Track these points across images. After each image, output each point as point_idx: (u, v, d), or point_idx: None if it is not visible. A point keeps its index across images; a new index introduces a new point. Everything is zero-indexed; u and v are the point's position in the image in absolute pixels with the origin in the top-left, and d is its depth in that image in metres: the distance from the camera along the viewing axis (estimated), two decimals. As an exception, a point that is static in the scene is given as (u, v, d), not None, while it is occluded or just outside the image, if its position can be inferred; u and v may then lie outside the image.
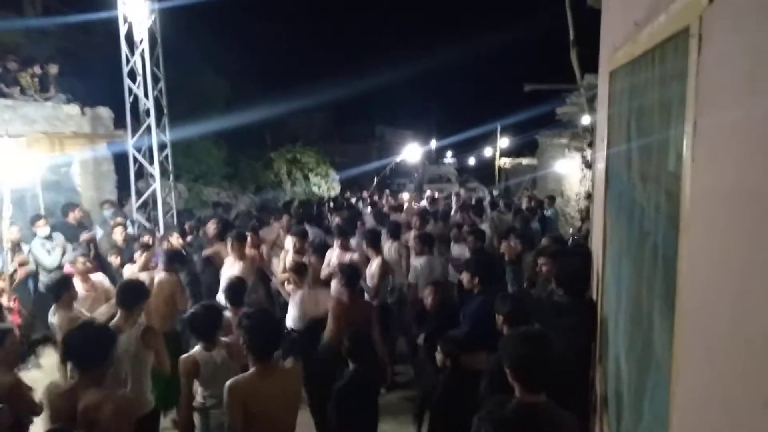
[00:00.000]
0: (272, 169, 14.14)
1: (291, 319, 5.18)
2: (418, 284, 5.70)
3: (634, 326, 1.88)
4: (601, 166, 3.54)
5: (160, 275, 5.21)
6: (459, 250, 6.94)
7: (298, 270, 5.23)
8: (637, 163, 1.98)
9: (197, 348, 3.47)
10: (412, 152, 22.04)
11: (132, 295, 3.88)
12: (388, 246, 6.37)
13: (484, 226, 8.26)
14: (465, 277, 4.72)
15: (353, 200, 14.84)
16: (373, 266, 5.83)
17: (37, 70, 8.34)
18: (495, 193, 22.09)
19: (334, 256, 6.11)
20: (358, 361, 3.47)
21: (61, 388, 2.91)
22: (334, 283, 5.29)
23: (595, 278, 3.79)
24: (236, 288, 4.41)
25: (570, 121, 10.79)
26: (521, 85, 10.33)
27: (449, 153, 42.48)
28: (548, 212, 11.50)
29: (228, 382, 2.85)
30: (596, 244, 4.06)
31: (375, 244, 6.02)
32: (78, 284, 4.95)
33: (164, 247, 6.49)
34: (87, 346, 2.84)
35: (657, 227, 1.58)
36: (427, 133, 39.63)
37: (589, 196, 13.56)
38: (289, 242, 6.61)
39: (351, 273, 4.84)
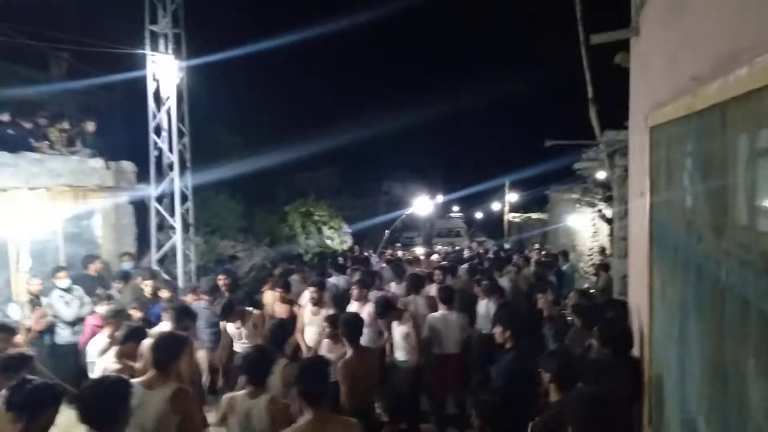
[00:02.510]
0: (287, 223, 14.24)
1: None
2: (433, 339, 5.52)
3: (717, 387, 1.79)
4: (640, 218, 3.51)
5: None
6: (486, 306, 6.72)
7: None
8: (706, 215, 1.95)
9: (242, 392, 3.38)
10: (421, 205, 22.04)
11: (167, 352, 3.47)
12: (412, 299, 6.24)
13: (503, 281, 8.15)
14: (496, 330, 4.60)
15: (366, 253, 14.82)
16: (404, 328, 5.57)
17: (65, 125, 8.56)
18: (507, 246, 21.99)
19: (353, 309, 5.96)
20: (397, 421, 3.28)
21: None
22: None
23: (638, 335, 3.67)
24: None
25: (589, 176, 10.88)
26: (531, 139, 10.46)
27: (456, 207, 42.66)
28: (564, 267, 11.50)
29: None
30: (636, 299, 3.98)
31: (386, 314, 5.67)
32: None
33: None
34: (102, 404, 2.58)
35: (745, 281, 1.54)
36: (434, 187, 39.98)
37: (602, 251, 13.52)
38: (306, 295, 6.45)
39: (352, 325, 4.51)
